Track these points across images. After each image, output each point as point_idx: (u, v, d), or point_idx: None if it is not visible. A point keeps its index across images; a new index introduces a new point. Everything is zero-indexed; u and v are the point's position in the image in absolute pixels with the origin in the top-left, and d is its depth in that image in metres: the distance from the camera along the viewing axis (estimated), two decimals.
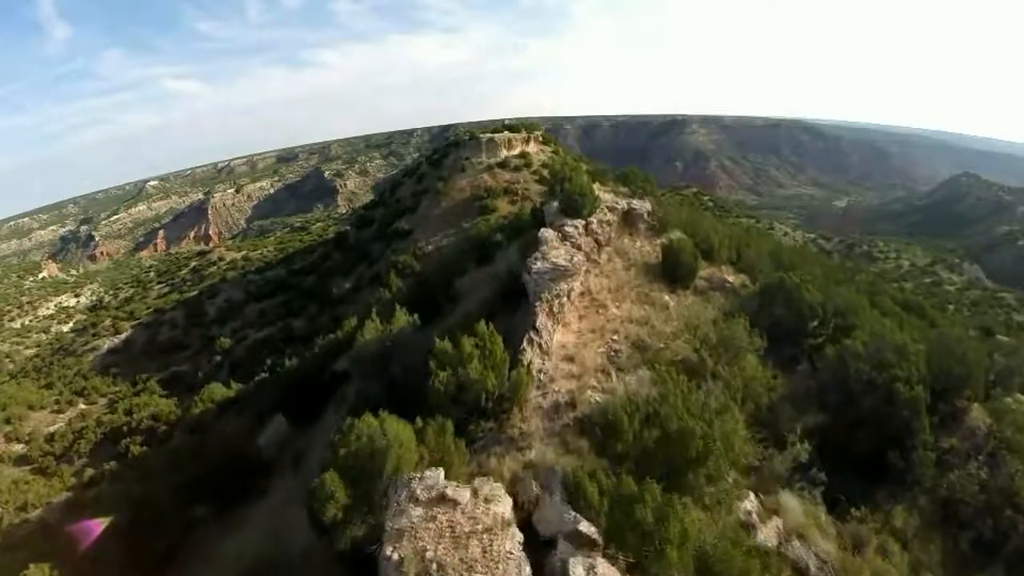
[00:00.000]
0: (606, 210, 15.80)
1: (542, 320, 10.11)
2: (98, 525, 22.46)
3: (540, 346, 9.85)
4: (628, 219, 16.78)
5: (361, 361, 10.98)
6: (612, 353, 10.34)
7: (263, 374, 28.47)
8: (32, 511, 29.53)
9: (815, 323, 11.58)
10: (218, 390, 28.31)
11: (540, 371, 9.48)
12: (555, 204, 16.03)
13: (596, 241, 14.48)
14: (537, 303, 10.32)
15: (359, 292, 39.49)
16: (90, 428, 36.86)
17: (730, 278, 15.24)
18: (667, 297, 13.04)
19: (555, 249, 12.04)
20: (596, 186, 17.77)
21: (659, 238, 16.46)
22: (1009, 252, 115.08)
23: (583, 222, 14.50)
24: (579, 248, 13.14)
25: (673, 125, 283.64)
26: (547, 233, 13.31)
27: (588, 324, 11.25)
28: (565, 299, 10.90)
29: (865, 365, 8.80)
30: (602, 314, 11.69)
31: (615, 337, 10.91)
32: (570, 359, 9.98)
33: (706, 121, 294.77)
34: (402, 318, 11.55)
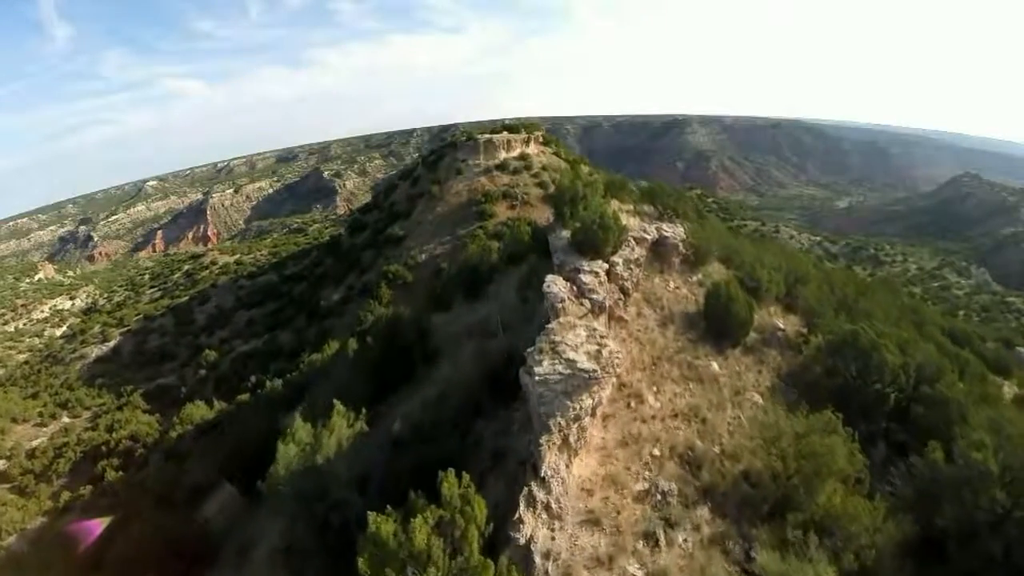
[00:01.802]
0: (632, 242, 12.24)
1: (551, 462, 6.52)
2: (98, 525, 21.24)
3: (548, 508, 6.29)
4: (658, 251, 13.28)
5: (282, 497, 7.59)
6: (658, 496, 6.94)
7: (245, 393, 27.11)
8: (6, 538, 28.29)
9: (892, 388, 9.11)
10: (196, 411, 26.87)
11: (547, 555, 5.93)
12: (564, 234, 12.27)
13: (622, 289, 10.98)
14: (544, 435, 6.58)
15: (348, 304, 37.90)
16: (71, 446, 35.55)
17: (781, 323, 12.54)
18: (715, 364, 10.16)
19: (570, 328, 7.92)
20: (615, 204, 14.39)
21: (696, 273, 13.43)
22: (1015, 254, 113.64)
23: (605, 265, 10.79)
24: (602, 309, 9.51)
25: (674, 125, 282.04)
26: (556, 288, 9.20)
27: (617, 431, 7.91)
28: (588, 418, 7.19)
29: (1000, 492, 6.48)
30: (636, 409, 8.40)
31: (656, 451, 7.67)
32: (594, 521, 6.45)
33: (707, 121, 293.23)
34: (335, 433, 7.91)
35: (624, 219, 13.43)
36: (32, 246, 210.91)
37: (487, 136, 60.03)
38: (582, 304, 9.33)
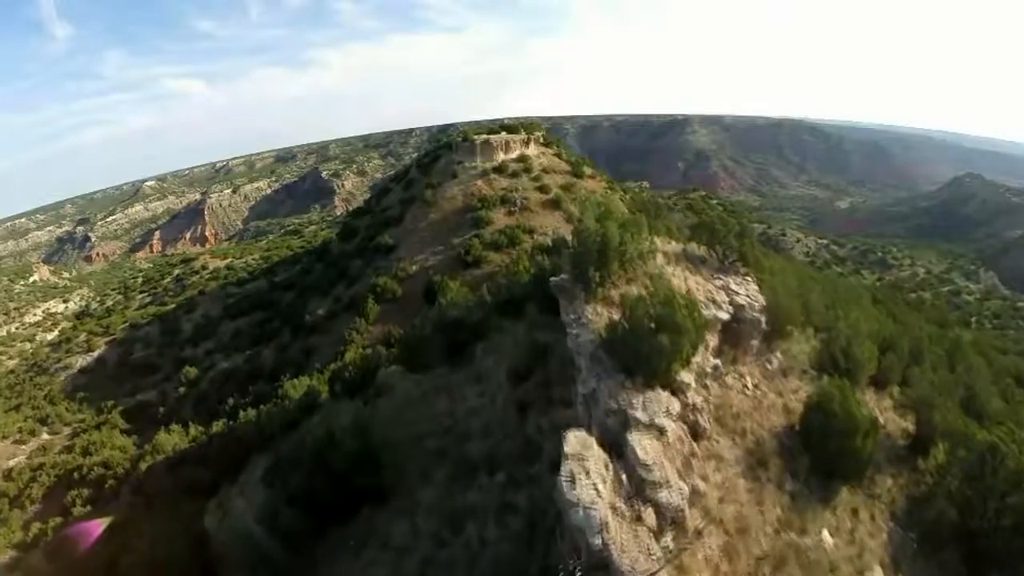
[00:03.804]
0: (704, 337, 7.63)
1: None
2: (97, 526, 19.95)
3: None
4: (732, 335, 8.61)
5: None
6: None
7: (222, 419, 25.52)
8: None
9: None
10: (168, 440, 25.23)
11: None
12: (590, 317, 7.63)
13: (694, 431, 6.43)
14: None
15: (334, 320, 36.07)
16: (46, 468, 33.89)
17: (879, 413, 8.80)
18: (827, 535, 6.10)
19: None
20: (657, 243, 9.73)
21: (774, 351, 9.03)
22: (1022, 256, 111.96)
23: (676, 404, 6.20)
24: (677, 519, 5.05)
25: (674, 125, 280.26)
26: (585, 489, 4.70)
27: None
28: None
29: None
30: None
31: None
32: None
33: (707, 121, 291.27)
34: None
35: (674, 276, 8.58)
36: (30, 246, 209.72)
37: (484, 137, 57.98)
38: (640, 522, 4.63)
